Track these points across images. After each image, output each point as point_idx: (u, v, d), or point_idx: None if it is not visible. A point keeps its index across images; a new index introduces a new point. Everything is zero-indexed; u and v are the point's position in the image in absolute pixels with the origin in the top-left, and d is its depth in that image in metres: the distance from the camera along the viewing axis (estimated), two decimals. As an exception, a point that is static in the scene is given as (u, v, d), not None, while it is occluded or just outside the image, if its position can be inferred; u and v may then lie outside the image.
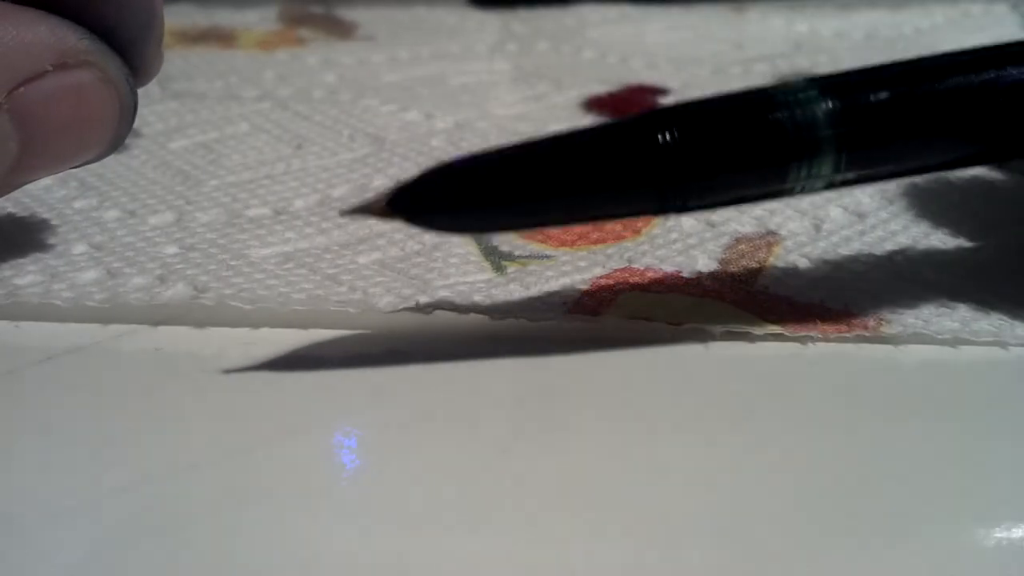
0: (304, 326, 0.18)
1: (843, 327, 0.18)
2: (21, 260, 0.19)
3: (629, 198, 0.16)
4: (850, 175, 0.16)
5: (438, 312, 0.18)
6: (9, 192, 0.17)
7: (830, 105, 0.15)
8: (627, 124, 0.16)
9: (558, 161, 0.16)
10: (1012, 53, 0.16)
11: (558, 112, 0.29)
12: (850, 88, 0.16)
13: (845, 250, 0.20)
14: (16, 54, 0.15)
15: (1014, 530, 0.14)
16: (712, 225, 0.21)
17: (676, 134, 0.15)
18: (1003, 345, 0.17)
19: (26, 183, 0.17)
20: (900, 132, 0.16)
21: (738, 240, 0.21)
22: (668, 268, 0.20)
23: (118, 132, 0.18)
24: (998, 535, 0.14)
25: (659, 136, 0.15)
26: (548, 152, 0.16)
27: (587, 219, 0.17)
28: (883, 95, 0.16)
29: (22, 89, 0.15)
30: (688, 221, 0.22)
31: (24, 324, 0.18)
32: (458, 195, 0.15)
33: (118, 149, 0.18)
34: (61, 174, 0.21)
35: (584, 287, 0.19)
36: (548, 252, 0.20)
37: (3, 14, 0.15)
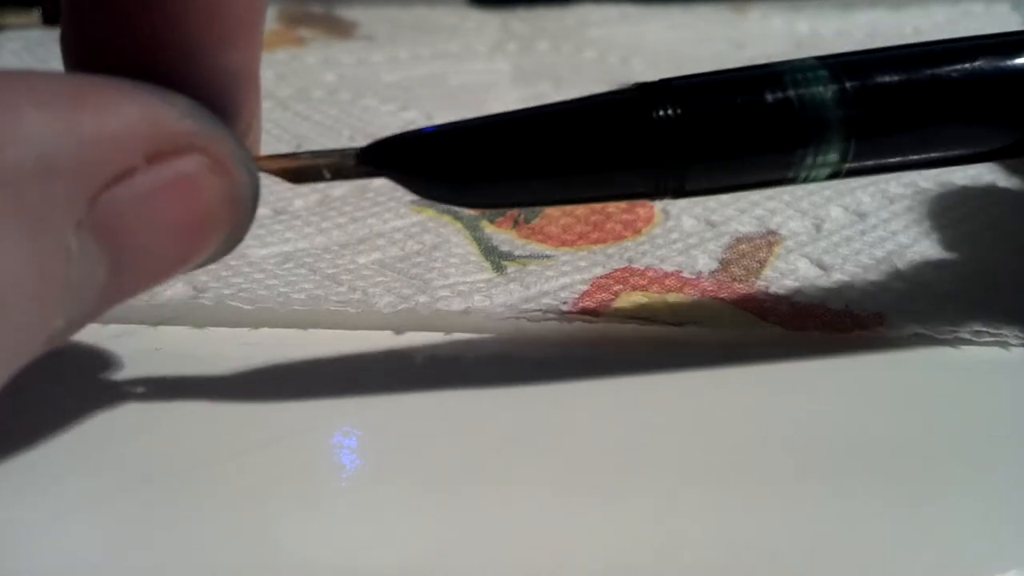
0: (304, 326, 0.18)
1: (843, 327, 0.18)
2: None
3: (622, 179, 0.15)
4: (858, 164, 0.15)
5: (438, 312, 0.18)
6: (96, 320, 0.13)
7: (840, 86, 0.15)
8: (622, 98, 0.15)
9: (546, 136, 0.14)
10: None
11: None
12: (862, 69, 0.15)
13: (845, 250, 0.20)
14: (95, 151, 0.11)
15: (1015, 529, 0.14)
16: (712, 225, 0.21)
17: (675, 111, 0.14)
18: (1003, 345, 0.17)
19: (117, 305, 0.13)
20: (914, 118, 0.15)
21: (739, 240, 0.21)
22: (668, 268, 0.20)
23: (235, 230, 0.13)
24: (999, 534, 0.14)
25: (656, 112, 0.14)
26: (536, 126, 0.14)
27: (577, 200, 0.16)
28: (897, 77, 0.15)
29: (106, 195, 0.11)
30: (688, 221, 0.22)
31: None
32: (435, 165, 0.14)
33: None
34: None
35: (584, 287, 0.19)
36: (548, 252, 0.20)
37: (80, 93, 0.11)
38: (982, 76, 0.15)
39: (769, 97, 0.14)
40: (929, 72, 0.15)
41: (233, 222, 0.13)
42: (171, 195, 0.12)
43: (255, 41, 0.14)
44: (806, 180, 0.15)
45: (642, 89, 0.15)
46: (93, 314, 0.12)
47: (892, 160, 0.15)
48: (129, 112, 0.11)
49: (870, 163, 0.15)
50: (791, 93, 0.14)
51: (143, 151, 0.12)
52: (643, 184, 0.15)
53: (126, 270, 0.12)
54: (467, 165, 0.14)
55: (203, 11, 0.12)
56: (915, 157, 0.16)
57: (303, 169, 0.15)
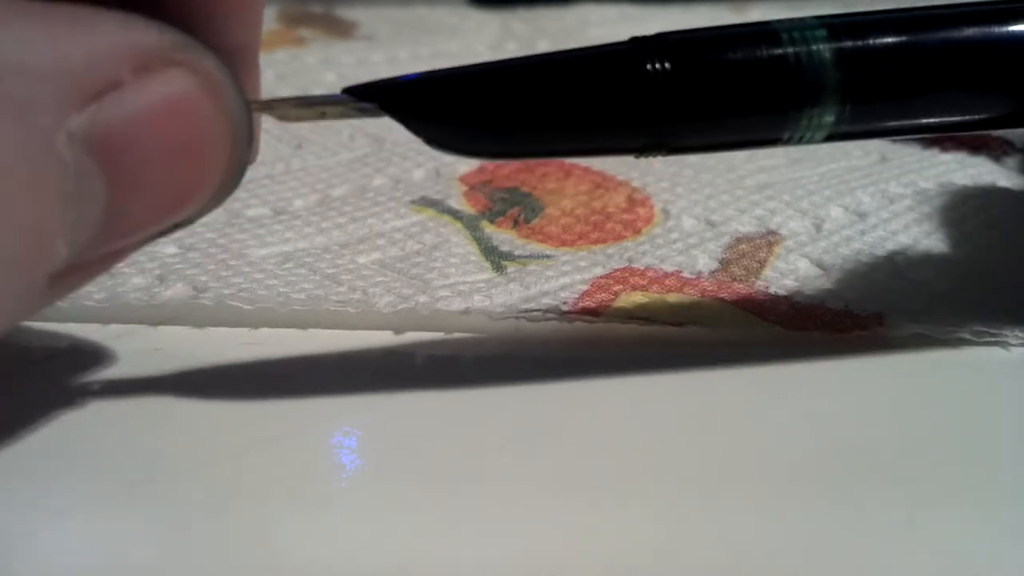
0: (304, 326, 0.18)
1: (843, 327, 0.18)
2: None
3: (611, 133, 0.14)
4: (854, 127, 0.15)
5: (438, 312, 0.18)
6: (101, 270, 0.13)
7: (839, 46, 0.14)
8: (615, 49, 0.14)
9: (534, 86, 0.14)
10: None
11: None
12: (863, 30, 0.14)
13: (845, 250, 0.20)
14: (77, 60, 0.11)
15: (1014, 530, 0.14)
16: (712, 225, 0.21)
17: (668, 65, 0.14)
18: (1003, 345, 0.17)
19: (121, 252, 0.13)
20: (913, 82, 0.15)
21: (739, 240, 0.21)
22: (668, 268, 0.20)
23: (233, 160, 0.13)
24: (999, 535, 0.14)
25: (650, 66, 0.14)
26: (525, 75, 0.14)
27: (567, 152, 0.15)
28: (898, 39, 0.14)
29: (94, 107, 0.11)
30: (688, 221, 0.22)
31: (25, 324, 0.18)
32: (425, 107, 0.14)
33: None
34: None
35: (584, 287, 0.19)
36: (548, 252, 0.20)
37: (57, 15, 0.11)
38: (984, 42, 0.15)
39: (765, 54, 0.14)
40: (931, 36, 0.15)
41: (229, 150, 0.13)
42: (164, 114, 0.12)
43: (256, 19, 0.14)
44: (801, 141, 0.15)
45: (636, 42, 0.14)
46: (96, 245, 0.12)
47: (889, 124, 0.15)
48: (108, 28, 0.11)
49: (867, 126, 0.15)
50: (788, 51, 0.14)
51: (127, 63, 0.11)
52: (633, 138, 0.14)
53: (127, 195, 0.12)
54: (453, 110, 0.14)
55: None
56: (912, 121, 0.15)
57: (294, 109, 0.14)
